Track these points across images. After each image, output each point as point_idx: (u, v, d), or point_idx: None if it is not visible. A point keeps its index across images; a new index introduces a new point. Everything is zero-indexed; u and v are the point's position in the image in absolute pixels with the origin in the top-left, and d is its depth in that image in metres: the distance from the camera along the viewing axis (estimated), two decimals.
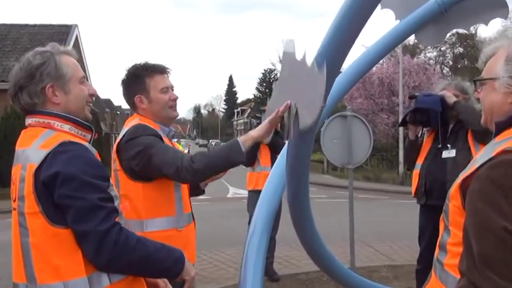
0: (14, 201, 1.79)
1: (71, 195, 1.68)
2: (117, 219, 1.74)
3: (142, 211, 2.34)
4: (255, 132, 2.28)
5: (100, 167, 1.80)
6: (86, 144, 1.83)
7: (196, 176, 2.30)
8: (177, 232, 2.36)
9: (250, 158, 5.80)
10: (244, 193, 15.54)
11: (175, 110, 2.56)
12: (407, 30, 3.42)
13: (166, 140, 2.45)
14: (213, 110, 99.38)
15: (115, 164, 2.42)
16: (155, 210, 2.34)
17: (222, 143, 43.14)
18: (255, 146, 5.80)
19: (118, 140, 2.42)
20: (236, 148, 2.23)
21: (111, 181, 1.85)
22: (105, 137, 26.93)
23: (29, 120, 1.86)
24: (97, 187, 1.73)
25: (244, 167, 6.03)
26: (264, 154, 5.83)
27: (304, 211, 2.68)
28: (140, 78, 2.49)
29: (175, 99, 2.54)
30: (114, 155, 2.41)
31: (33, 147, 1.76)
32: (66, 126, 1.83)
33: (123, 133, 2.41)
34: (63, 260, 1.68)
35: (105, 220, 1.69)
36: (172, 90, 2.54)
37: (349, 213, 5.78)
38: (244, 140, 2.27)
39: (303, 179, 2.47)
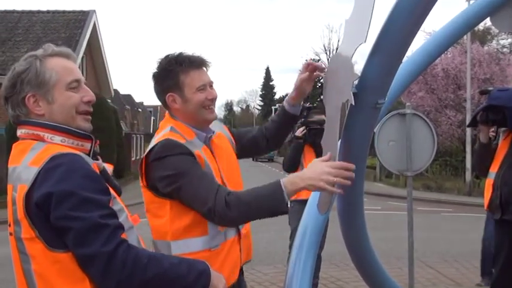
0: (10, 225, 1.80)
1: (68, 215, 1.67)
2: (123, 236, 1.74)
3: (169, 231, 2.32)
4: (307, 179, 2.08)
5: (98, 179, 1.79)
6: (81, 153, 1.81)
7: (229, 225, 2.34)
8: (210, 253, 2.31)
9: (294, 163, 5.76)
10: None
11: (213, 111, 2.48)
12: (480, 13, 3.35)
13: (201, 153, 2.37)
14: (247, 106, 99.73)
15: (140, 179, 2.42)
16: (184, 230, 2.32)
17: None
18: (299, 148, 5.74)
19: (146, 153, 2.38)
20: (279, 199, 2.11)
21: (113, 193, 1.84)
22: (126, 137, 27.42)
23: (18, 132, 1.87)
24: (97, 203, 1.72)
25: (284, 171, 6.03)
26: (309, 157, 5.72)
27: (358, 225, 2.66)
28: (173, 74, 2.41)
29: (213, 99, 2.46)
30: (139, 169, 2.40)
31: (23, 165, 1.77)
32: (58, 138, 1.82)
33: (152, 145, 2.37)
34: (70, 287, 1.70)
35: (110, 240, 1.69)
36: (211, 87, 2.46)
37: (408, 228, 5.68)
38: (290, 186, 2.12)
39: (358, 186, 2.44)
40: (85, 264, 1.69)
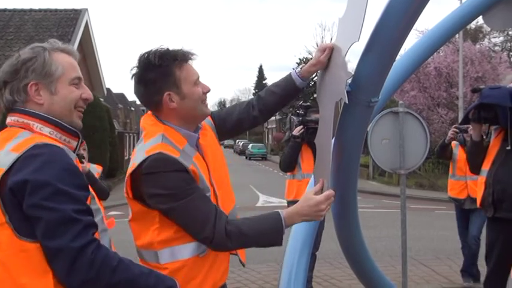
0: None
1: (40, 205, 1.65)
2: (96, 236, 1.72)
3: (156, 241, 2.21)
4: (304, 216, 2.21)
5: (78, 173, 1.76)
6: (64, 147, 1.81)
7: (223, 251, 2.31)
8: (197, 258, 2.23)
9: (290, 163, 5.68)
10: (276, 201, 15.72)
11: (207, 105, 2.36)
12: (473, 12, 3.36)
13: (194, 166, 2.22)
14: None
15: (124, 190, 2.26)
16: (171, 239, 2.21)
17: (250, 144, 42.28)
18: (296, 147, 5.59)
19: (134, 165, 2.17)
20: (278, 235, 2.19)
21: (93, 193, 1.79)
22: (119, 136, 27.34)
23: (8, 119, 1.88)
24: (73, 197, 1.69)
25: (282, 173, 5.96)
26: (307, 158, 5.69)
27: (352, 224, 2.66)
28: (168, 70, 2.22)
29: (207, 92, 2.34)
30: (127, 177, 2.21)
31: (5, 150, 1.76)
32: (46, 129, 1.84)
33: (142, 158, 2.15)
34: (31, 279, 1.67)
35: (80, 235, 1.65)
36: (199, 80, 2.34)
37: (401, 226, 5.69)
38: (289, 219, 2.20)
39: (351, 185, 2.45)
40: (51, 257, 1.66)
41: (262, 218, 2.21)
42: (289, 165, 5.65)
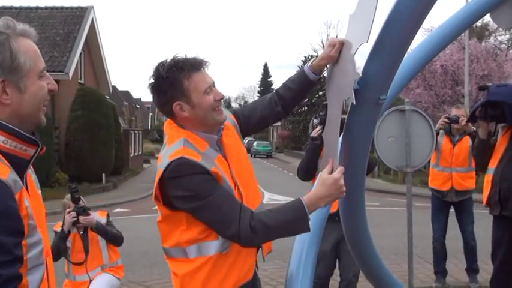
0: None
1: None
2: None
3: (184, 239, 2.31)
4: (326, 198, 2.23)
5: (12, 216, 1.48)
6: (7, 180, 1.50)
7: (251, 247, 2.36)
8: (221, 255, 2.31)
9: (309, 169, 4.74)
10: (282, 199, 15.71)
11: (222, 111, 2.37)
12: (480, 10, 3.35)
13: (217, 168, 2.29)
14: (246, 103, 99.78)
15: (154, 189, 2.33)
16: (197, 237, 2.30)
17: (255, 142, 42.13)
18: (315, 150, 4.64)
19: (160, 171, 2.26)
20: (303, 223, 2.22)
21: (35, 223, 1.58)
22: (124, 133, 27.39)
23: None
24: None
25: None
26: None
27: (359, 221, 2.66)
28: (176, 81, 2.28)
29: (220, 99, 2.36)
30: (155, 183, 2.29)
31: None
32: (0, 138, 1.56)
33: (167, 163, 2.23)
34: None
35: None
36: (215, 87, 2.36)
37: (408, 224, 5.68)
38: (312, 205, 2.22)
39: (359, 182, 2.45)
40: None
41: (285, 209, 2.26)
42: (307, 171, 4.73)
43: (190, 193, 2.20)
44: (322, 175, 2.26)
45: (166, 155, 2.27)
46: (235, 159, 2.44)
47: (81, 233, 4.58)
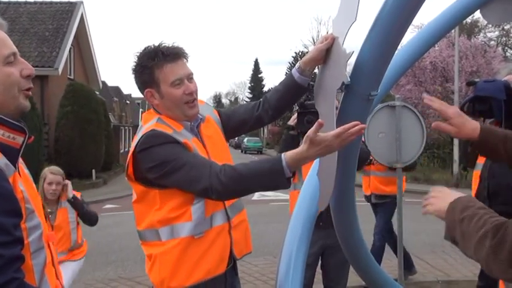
0: None
1: None
2: (21, 268, 1.50)
3: (157, 219, 2.30)
4: (308, 151, 2.01)
5: (9, 197, 1.49)
6: (1, 163, 1.51)
7: (229, 198, 2.31)
8: (193, 239, 2.28)
9: None
10: (272, 195, 15.71)
11: (194, 106, 2.34)
12: (470, 6, 3.35)
13: (189, 142, 2.30)
14: (236, 99, 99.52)
15: (125, 172, 2.37)
16: (170, 217, 2.29)
17: (245, 138, 41.92)
18: (289, 143, 4.37)
19: (133, 146, 2.31)
20: (278, 172, 2.06)
21: (32, 207, 1.59)
22: (114, 129, 27.27)
23: None
24: None
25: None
26: (307, 166, 5.19)
27: (350, 218, 2.67)
28: (148, 69, 2.29)
29: (191, 93, 2.32)
30: (127, 162, 2.31)
31: None
32: None
33: (138, 139, 2.29)
34: None
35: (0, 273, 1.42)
36: (190, 80, 2.33)
37: (398, 220, 5.71)
38: (291, 160, 2.05)
39: (349, 179, 2.45)
40: None
41: (262, 160, 2.19)
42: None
43: (159, 161, 2.21)
44: (309, 134, 2.03)
45: (139, 132, 2.32)
46: (212, 146, 2.42)
47: (50, 211, 4.50)
